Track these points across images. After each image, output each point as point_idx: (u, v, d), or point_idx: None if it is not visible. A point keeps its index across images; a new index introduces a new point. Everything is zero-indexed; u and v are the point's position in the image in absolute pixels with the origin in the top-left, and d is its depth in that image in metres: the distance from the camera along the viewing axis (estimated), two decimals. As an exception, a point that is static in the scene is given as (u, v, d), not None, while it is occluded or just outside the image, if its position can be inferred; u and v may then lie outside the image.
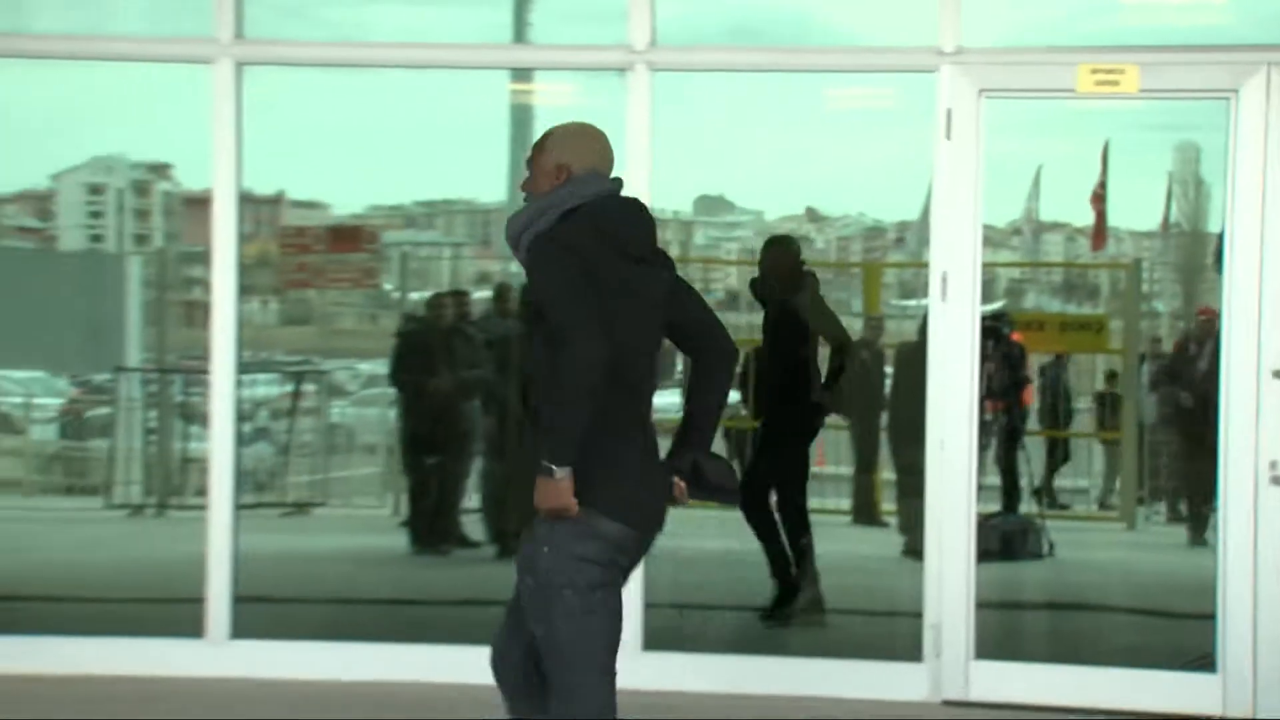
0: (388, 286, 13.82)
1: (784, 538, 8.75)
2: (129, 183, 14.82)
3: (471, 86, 10.54)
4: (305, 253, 11.72)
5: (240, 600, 7.55)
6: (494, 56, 8.56)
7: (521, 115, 11.84)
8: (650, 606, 7.31)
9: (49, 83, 9.48)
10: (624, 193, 4.77)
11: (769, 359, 9.04)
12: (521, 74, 10.38)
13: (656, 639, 7.33)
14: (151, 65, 8.33)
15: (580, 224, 4.55)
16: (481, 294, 12.23)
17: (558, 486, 4.37)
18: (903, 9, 7.79)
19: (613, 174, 4.77)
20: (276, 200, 13.08)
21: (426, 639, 7.67)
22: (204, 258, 7.93)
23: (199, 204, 11.31)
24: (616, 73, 7.45)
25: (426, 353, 10.79)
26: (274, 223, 12.94)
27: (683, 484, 4.71)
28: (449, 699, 7.04)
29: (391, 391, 11.55)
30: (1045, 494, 12.76)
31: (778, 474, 8.88)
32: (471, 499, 11.19)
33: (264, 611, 7.87)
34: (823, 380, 9.04)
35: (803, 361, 8.93)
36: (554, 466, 4.36)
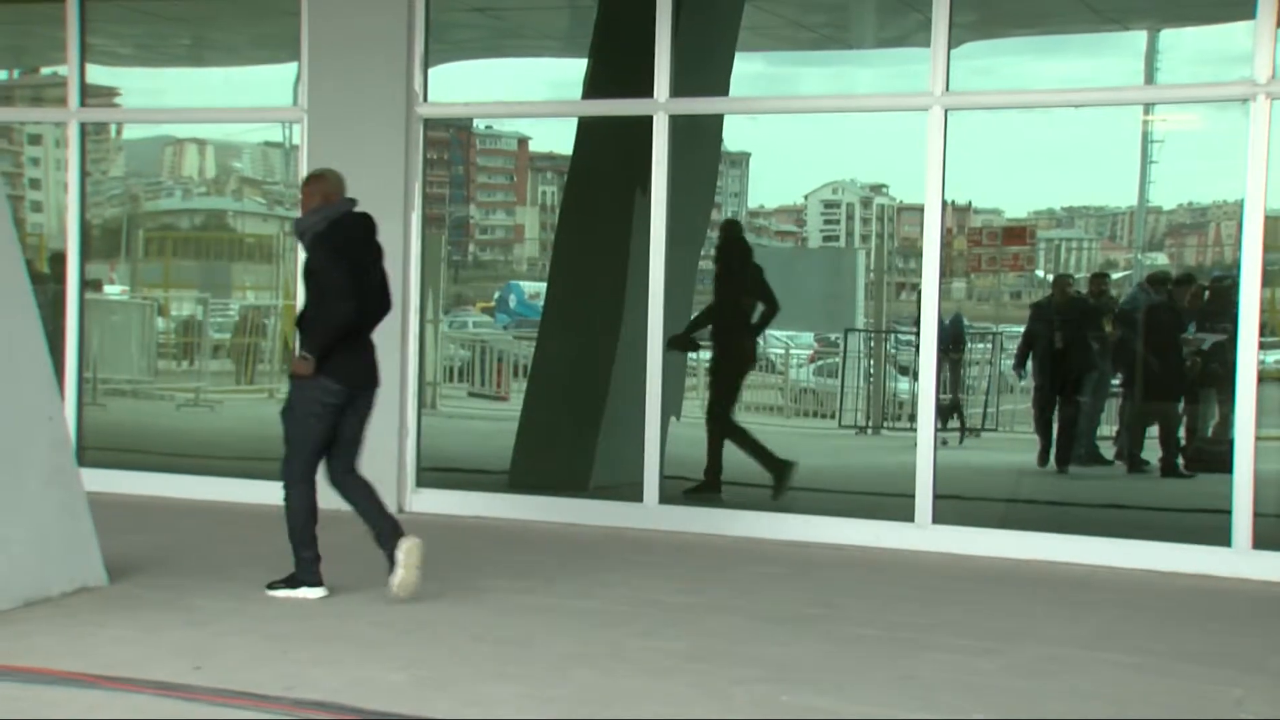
0: (1039, 272, 13.44)
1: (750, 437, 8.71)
2: (857, 199, 15.06)
3: (1110, 118, 10.16)
4: (985, 246, 11.61)
5: (939, 497, 7.57)
6: (1137, 95, 8.23)
7: (1150, 139, 11.29)
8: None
9: (806, 128, 9.78)
10: (357, 210, 6.15)
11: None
12: (1150, 107, 9.90)
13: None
14: (875, 114, 8.44)
15: (338, 227, 6.04)
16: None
17: (308, 364, 5.93)
18: None
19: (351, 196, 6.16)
20: (965, 208, 12.97)
21: (1062, 530, 7.46)
22: (912, 250, 7.94)
23: (907, 212, 11.34)
24: (1239, 103, 6.94)
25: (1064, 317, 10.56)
26: (963, 225, 12.84)
27: None
28: (1100, 577, 6.83)
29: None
30: None
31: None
32: (1103, 428, 10.73)
33: (955, 506, 7.85)
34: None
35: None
36: (308, 355, 5.93)
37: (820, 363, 13.55)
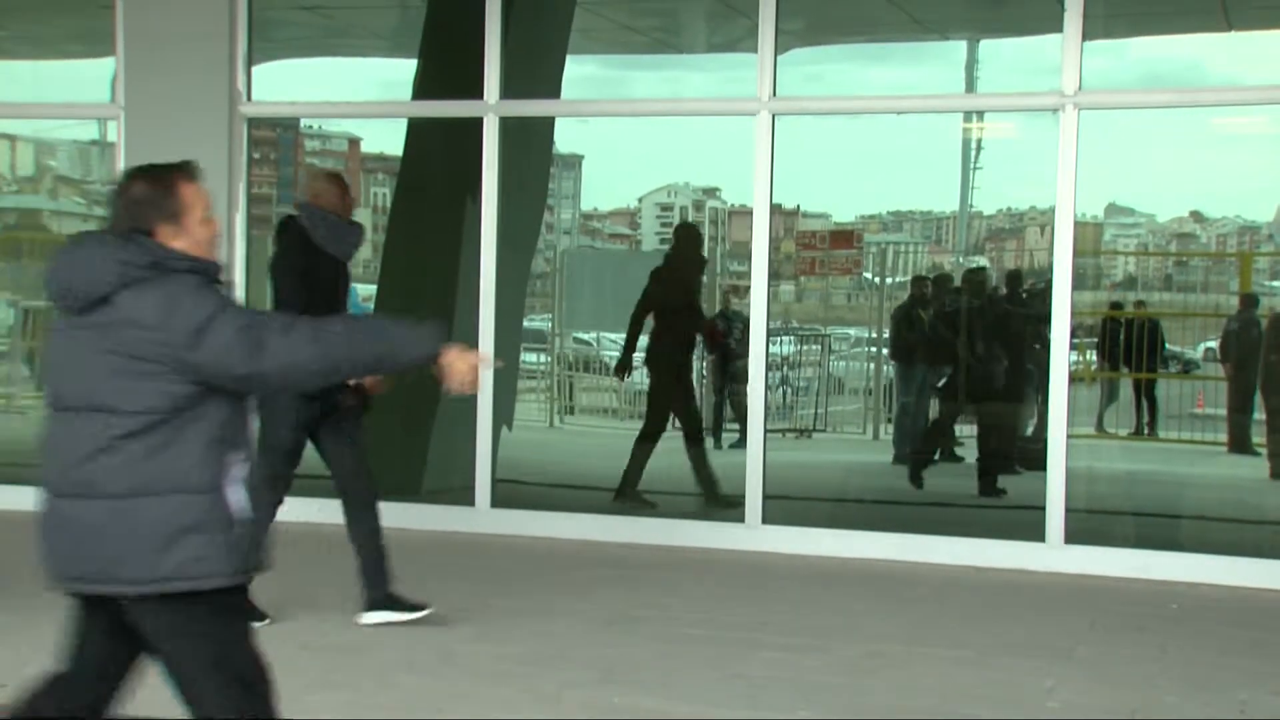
0: (867, 274, 13.77)
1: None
2: (690, 202, 15.24)
3: (933, 125, 10.47)
4: (814, 249, 11.83)
5: (769, 497, 7.63)
6: (953, 103, 8.50)
7: (968, 146, 11.67)
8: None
9: (639, 132, 9.85)
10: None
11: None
12: (969, 115, 10.25)
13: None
14: (707, 118, 8.54)
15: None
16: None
17: None
18: (1275, 54, 7.29)
19: None
20: (794, 212, 13.20)
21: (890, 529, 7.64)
22: (743, 254, 8.05)
23: (737, 216, 11.50)
24: (1050, 113, 7.21)
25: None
26: (791, 229, 13.07)
27: None
28: (921, 573, 7.02)
29: (870, 350, 11.54)
30: None
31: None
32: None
33: (785, 506, 7.97)
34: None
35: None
36: None
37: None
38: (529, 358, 11.88)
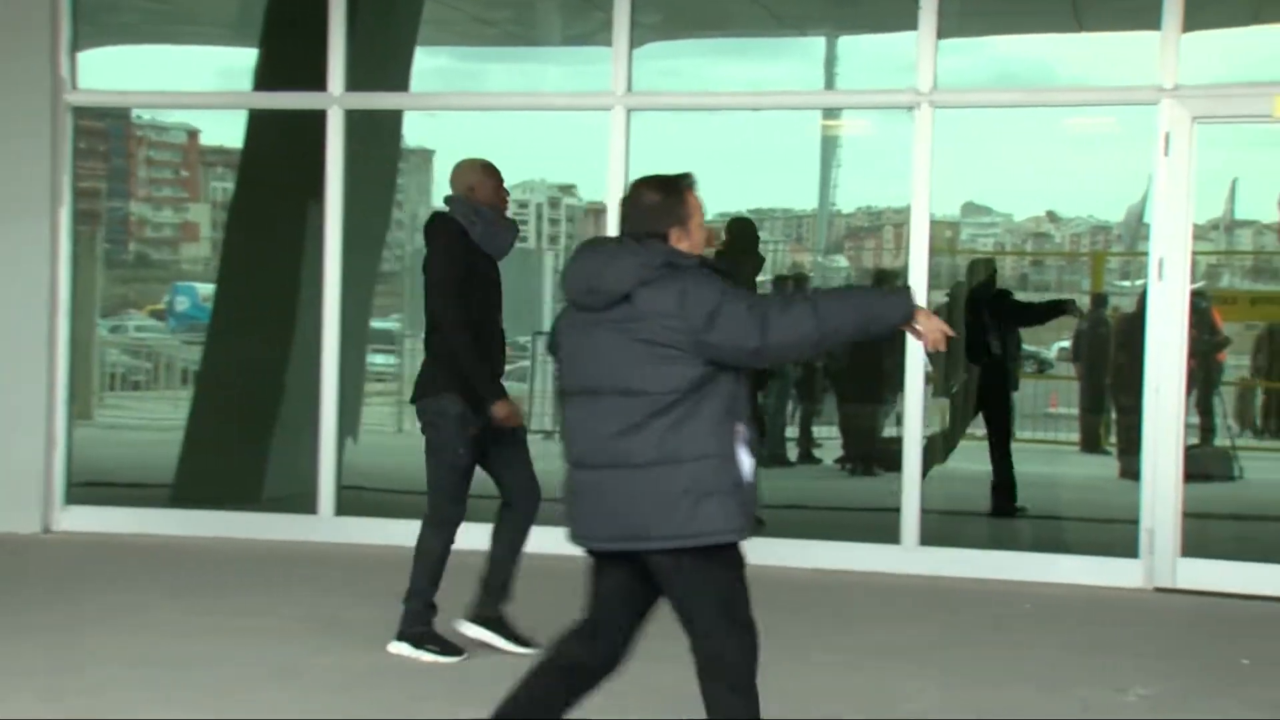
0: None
1: None
2: (545, 199, 15.25)
3: (790, 121, 10.62)
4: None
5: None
6: (811, 100, 8.65)
7: (828, 144, 11.85)
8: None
9: (494, 127, 9.81)
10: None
11: None
12: (829, 112, 10.41)
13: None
14: (563, 112, 8.54)
15: None
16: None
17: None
18: (1125, 56, 7.58)
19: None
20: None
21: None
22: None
23: (594, 213, 11.55)
24: (905, 110, 7.39)
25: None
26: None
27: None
28: (769, 575, 7.12)
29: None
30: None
31: None
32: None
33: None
34: None
35: None
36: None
37: (509, 367, 13.59)
38: (377, 359, 11.77)
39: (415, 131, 10.99)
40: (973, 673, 5.43)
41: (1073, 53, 9.86)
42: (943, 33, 7.34)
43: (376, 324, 10.89)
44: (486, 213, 5.38)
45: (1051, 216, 16.38)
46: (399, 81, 8.88)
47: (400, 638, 5.49)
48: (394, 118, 9.37)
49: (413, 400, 5.52)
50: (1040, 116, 9.36)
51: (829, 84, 9.73)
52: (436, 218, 5.48)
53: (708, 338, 3.43)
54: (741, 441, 3.52)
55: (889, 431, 10.09)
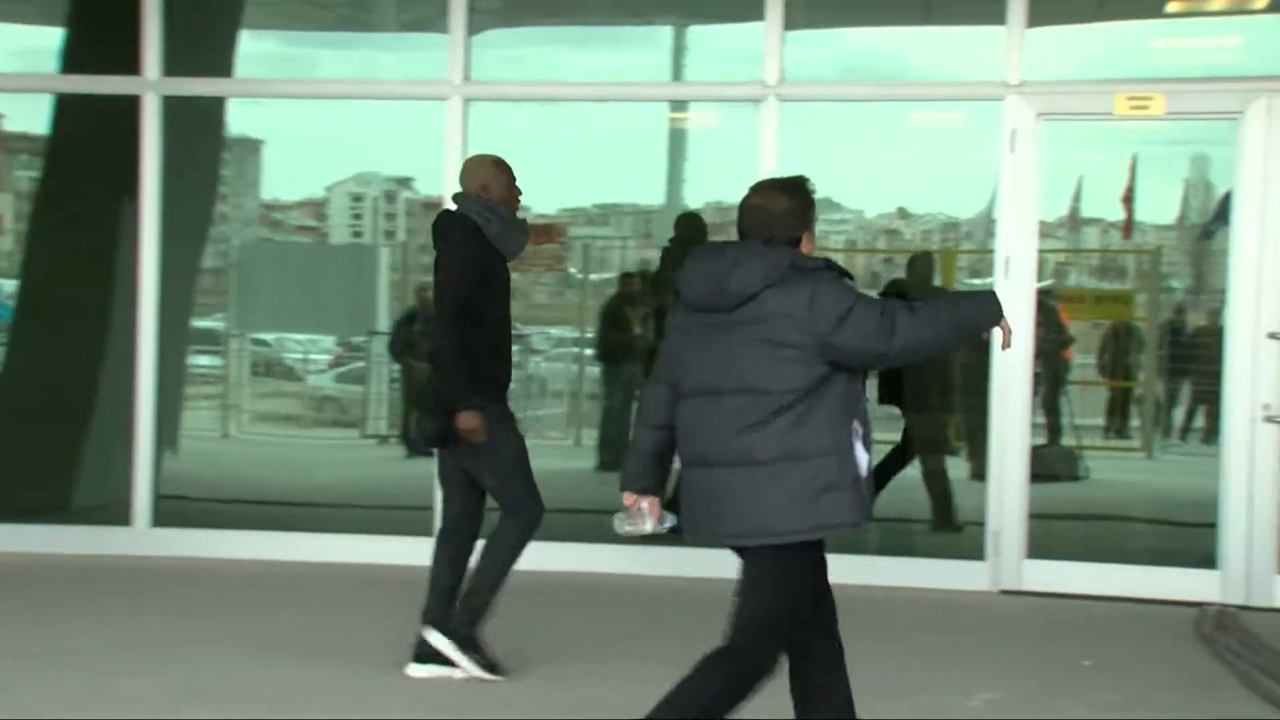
0: (572, 270, 13.86)
1: None
2: (381, 192, 14.99)
3: (637, 114, 10.58)
4: (511, 244, 11.80)
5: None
6: (656, 91, 8.64)
7: (676, 137, 11.87)
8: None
9: (327, 116, 9.61)
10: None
11: None
12: (677, 104, 10.41)
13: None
14: (401, 102, 8.38)
15: None
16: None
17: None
18: (973, 51, 7.70)
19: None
20: (490, 204, 13.15)
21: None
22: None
23: (432, 208, 11.38)
24: (752, 103, 7.40)
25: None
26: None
27: None
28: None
29: (574, 350, 11.56)
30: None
31: None
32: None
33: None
34: None
35: None
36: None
37: (343, 368, 13.38)
38: (200, 360, 11.43)
39: (241, 120, 10.70)
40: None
41: (922, 47, 9.97)
42: (790, 24, 7.38)
43: (199, 323, 10.57)
44: (502, 211, 5.33)
45: (902, 213, 16.64)
46: (222, 67, 8.64)
47: (444, 633, 5.35)
48: (216, 105, 9.10)
49: (434, 410, 5.34)
50: (890, 111, 9.44)
51: (677, 75, 9.71)
52: (449, 216, 5.40)
53: (836, 340, 3.64)
54: (858, 438, 3.73)
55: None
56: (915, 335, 3.68)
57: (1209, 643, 6.13)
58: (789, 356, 3.66)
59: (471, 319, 5.18)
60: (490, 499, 5.49)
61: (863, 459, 3.75)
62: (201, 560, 7.36)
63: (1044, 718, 5.05)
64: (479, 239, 5.25)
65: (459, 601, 5.38)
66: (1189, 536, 7.93)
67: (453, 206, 5.44)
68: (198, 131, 8.77)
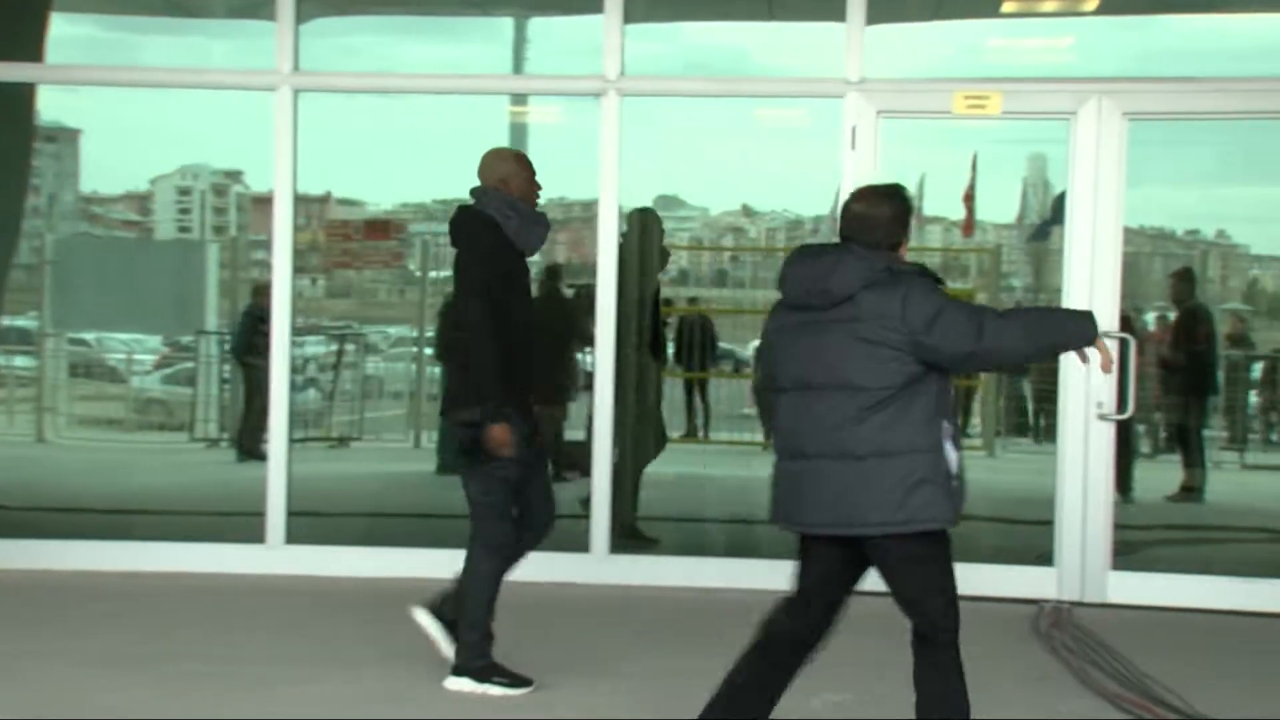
0: (411, 267, 13.77)
1: None
2: (209, 186, 14.73)
3: (478, 107, 10.55)
4: (346, 240, 11.70)
5: (294, 514, 7.52)
6: (495, 84, 8.62)
7: (517, 131, 11.84)
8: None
9: (151, 106, 9.41)
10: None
11: None
12: (518, 98, 10.39)
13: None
14: (229, 92, 8.23)
15: None
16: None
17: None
18: (816, 47, 7.83)
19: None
20: (324, 199, 13.00)
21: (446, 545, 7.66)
22: (266, 244, 7.88)
23: (263, 202, 11.23)
24: (593, 98, 7.44)
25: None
26: (321, 216, 12.87)
27: None
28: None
29: (413, 350, 11.48)
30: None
31: None
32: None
33: (312, 523, 7.84)
34: None
35: None
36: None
37: (169, 369, 13.12)
38: (14, 361, 11.12)
39: (56, 108, 10.43)
40: (662, 684, 5.49)
41: (764, 42, 10.12)
42: (631, 18, 7.42)
43: (9, 322, 10.27)
44: (522, 207, 5.26)
45: (747, 210, 16.84)
46: (30, 51, 8.39)
47: (459, 672, 5.26)
48: (26, 91, 8.84)
49: (443, 414, 5.27)
50: (733, 107, 9.58)
51: (516, 68, 9.69)
52: (467, 212, 5.29)
53: (926, 339, 3.91)
54: (948, 437, 3.99)
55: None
56: (1003, 339, 3.94)
57: (1045, 639, 6.35)
58: (884, 355, 3.93)
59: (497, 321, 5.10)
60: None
61: (953, 458, 4.00)
62: (14, 573, 7.16)
63: (888, 717, 5.16)
64: (498, 236, 5.20)
65: (459, 636, 5.34)
66: (1028, 534, 8.16)
67: (470, 201, 5.36)
68: (6, 120, 8.51)
